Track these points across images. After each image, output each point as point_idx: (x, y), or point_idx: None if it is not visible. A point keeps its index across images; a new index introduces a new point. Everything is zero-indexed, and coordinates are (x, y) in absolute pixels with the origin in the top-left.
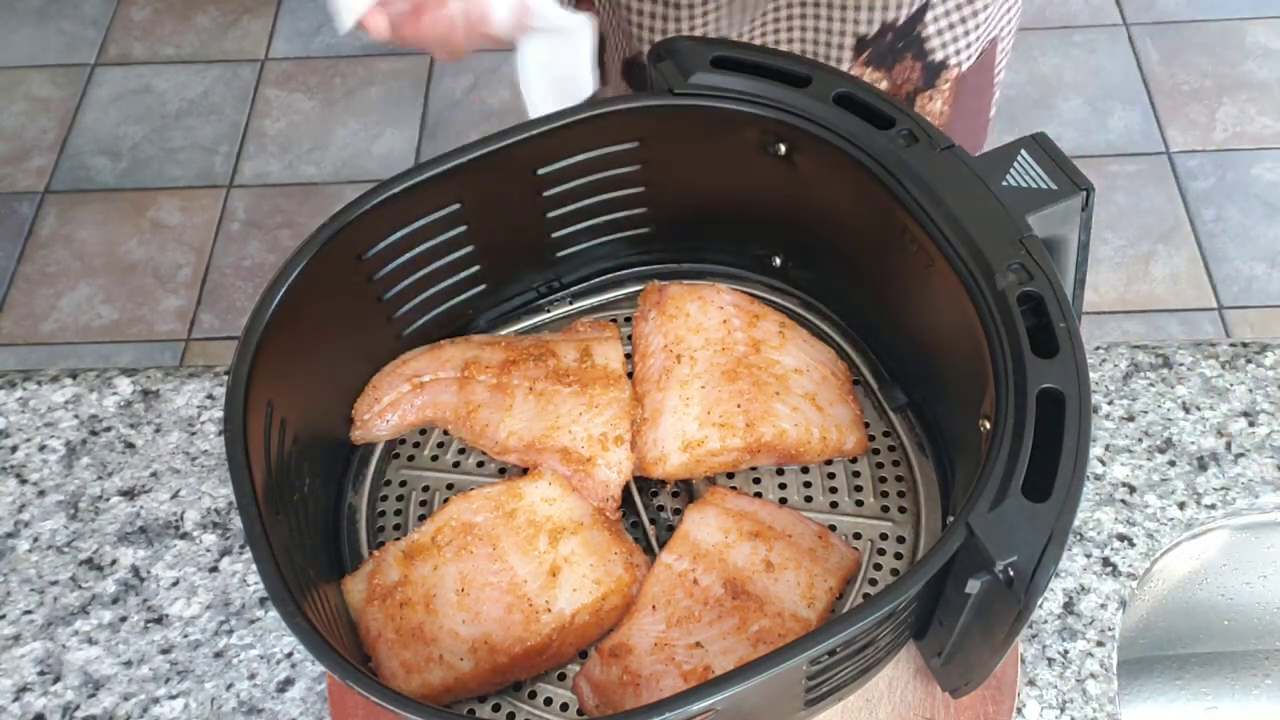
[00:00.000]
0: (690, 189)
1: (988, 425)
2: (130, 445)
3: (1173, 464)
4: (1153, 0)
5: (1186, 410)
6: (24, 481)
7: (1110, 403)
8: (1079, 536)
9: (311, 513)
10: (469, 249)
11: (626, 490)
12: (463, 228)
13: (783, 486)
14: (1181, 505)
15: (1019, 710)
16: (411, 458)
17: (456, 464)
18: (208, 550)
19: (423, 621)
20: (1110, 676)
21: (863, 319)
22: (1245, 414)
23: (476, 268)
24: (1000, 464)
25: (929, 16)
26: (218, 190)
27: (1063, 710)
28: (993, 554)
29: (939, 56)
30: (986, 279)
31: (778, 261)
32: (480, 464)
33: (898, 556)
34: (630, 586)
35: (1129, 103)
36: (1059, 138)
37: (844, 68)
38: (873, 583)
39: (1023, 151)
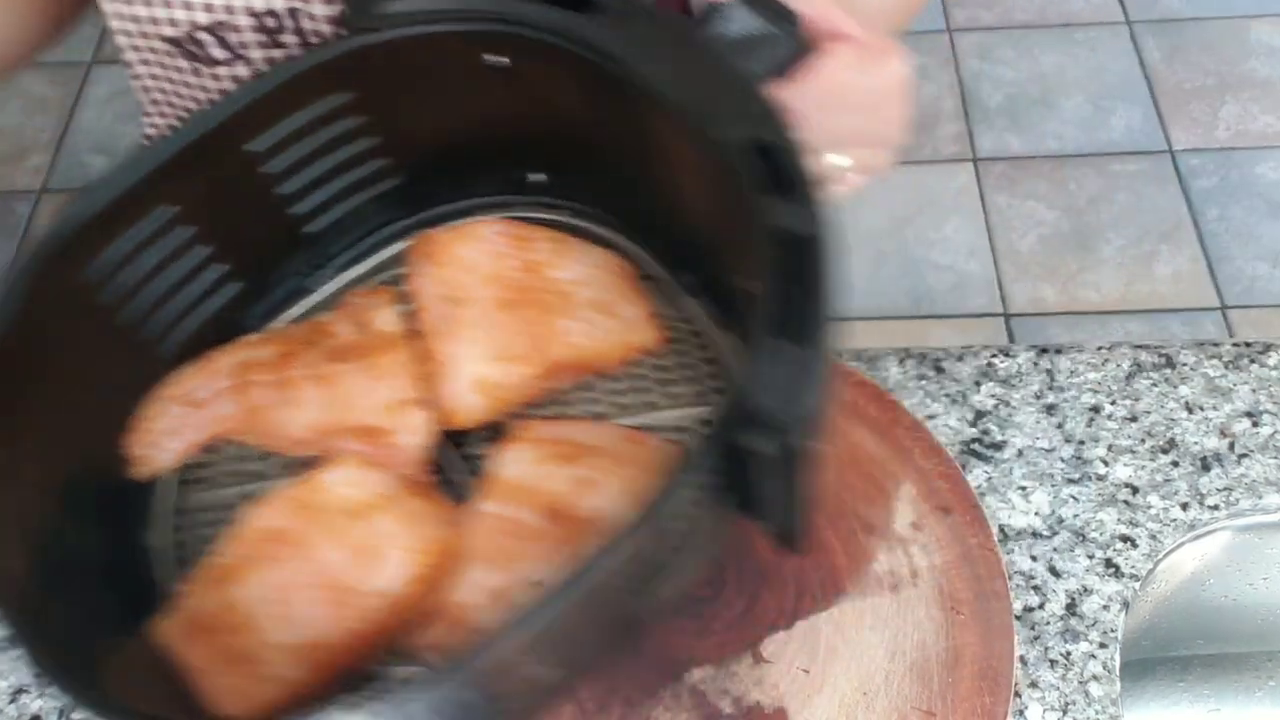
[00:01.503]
0: (431, 127)
1: (757, 285)
2: None
3: (1176, 464)
4: None
5: (1189, 410)
6: None
7: (1113, 403)
8: (1081, 538)
9: (94, 566)
10: (208, 249)
11: (439, 450)
12: (192, 228)
13: (595, 402)
14: (1184, 506)
15: (1020, 713)
16: (207, 480)
17: (258, 473)
18: None
19: (243, 643)
20: (1113, 678)
21: (635, 213)
22: (1249, 414)
23: (226, 267)
24: (762, 317)
25: None
26: None
27: (1065, 712)
28: (757, 405)
29: None
30: (719, 134)
31: (542, 179)
32: (286, 466)
33: None
34: (455, 546)
35: (1131, 101)
36: (1061, 136)
37: None
38: None
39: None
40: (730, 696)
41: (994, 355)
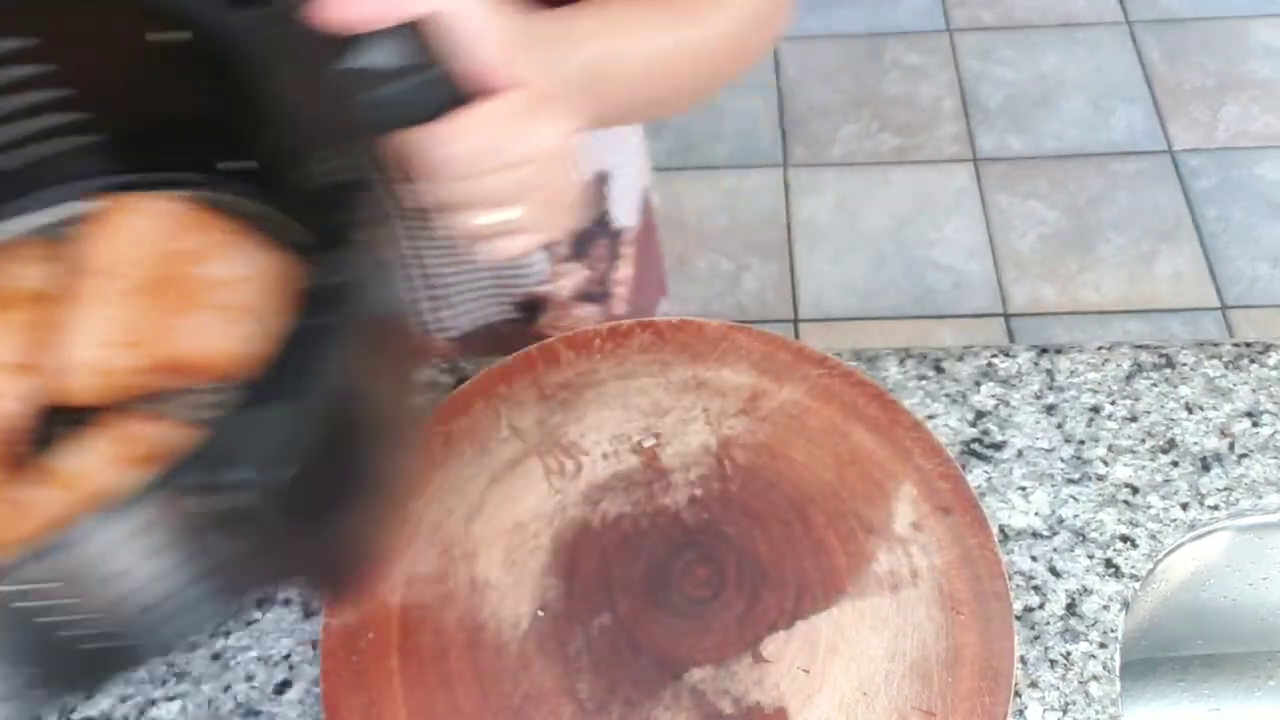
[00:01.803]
0: (125, 88)
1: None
2: None
3: (1176, 464)
4: None
5: (1189, 410)
6: None
7: (1113, 403)
8: (1081, 538)
9: None
10: None
11: (45, 424)
12: None
13: (222, 407)
14: (1184, 506)
15: (1020, 713)
16: None
17: None
18: None
19: None
20: (1113, 678)
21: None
22: (1249, 414)
23: None
24: (255, 373)
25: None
26: None
27: (1065, 712)
28: (221, 460)
29: (617, 225)
30: (307, 170)
31: (252, 167)
32: None
33: None
34: (35, 528)
35: (1131, 101)
36: (1061, 136)
37: (548, 266)
38: None
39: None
40: (730, 696)
41: (994, 355)
